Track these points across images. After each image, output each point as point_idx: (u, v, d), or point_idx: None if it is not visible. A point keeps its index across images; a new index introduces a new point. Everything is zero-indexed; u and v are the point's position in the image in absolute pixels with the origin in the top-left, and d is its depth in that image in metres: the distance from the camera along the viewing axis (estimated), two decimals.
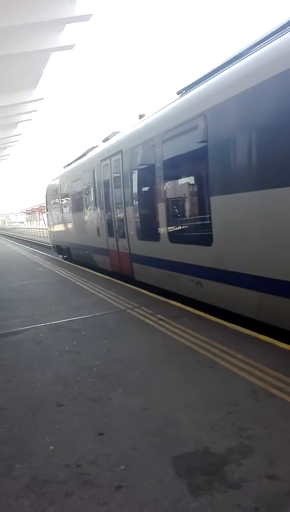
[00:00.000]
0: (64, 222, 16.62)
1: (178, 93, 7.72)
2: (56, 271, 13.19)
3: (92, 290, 9.47)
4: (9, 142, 36.87)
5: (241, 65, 5.77)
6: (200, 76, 7.02)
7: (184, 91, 7.46)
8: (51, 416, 3.76)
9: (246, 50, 5.93)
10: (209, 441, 3.14)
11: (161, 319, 6.59)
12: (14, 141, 37.19)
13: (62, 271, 13.03)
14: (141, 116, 9.71)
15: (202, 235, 6.76)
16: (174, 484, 2.70)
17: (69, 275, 12.17)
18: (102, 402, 3.94)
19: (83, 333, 6.27)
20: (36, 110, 25.65)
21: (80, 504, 2.60)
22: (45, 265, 15.14)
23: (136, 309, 7.39)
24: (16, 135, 33.41)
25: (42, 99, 22.84)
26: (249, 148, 5.58)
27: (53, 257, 18.42)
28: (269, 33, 5.52)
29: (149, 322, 6.54)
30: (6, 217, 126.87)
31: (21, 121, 28.86)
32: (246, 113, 5.49)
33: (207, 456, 2.96)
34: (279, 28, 5.35)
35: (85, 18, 12.89)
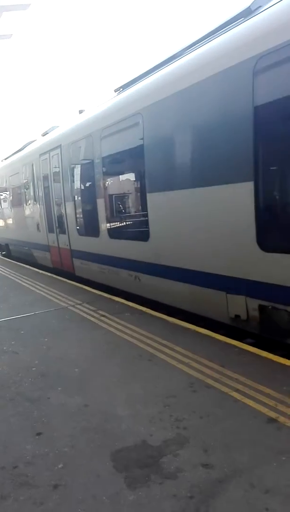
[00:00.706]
0: (3, 218, 16.24)
1: (115, 90, 7.89)
2: None
3: (32, 288, 9.26)
4: None
5: (173, 67, 6.04)
6: (137, 75, 7.22)
7: (121, 89, 7.66)
8: None
9: (180, 51, 6.17)
10: (147, 434, 3.19)
11: (104, 315, 6.58)
12: None
13: (1, 268, 12.61)
14: (81, 111, 9.71)
15: (139, 231, 6.98)
16: (112, 479, 2.73)
17: (8, 272, 11.80)
18: (40, 401, 3.88)
19: (22, 332, 6.12)
20: None
21: (16, 506, 2.56)
22: None
23: (78, 306, 7.32)
24: None
25: None
26: (180, 147, 5.89)
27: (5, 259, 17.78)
28: (204, 35, 5.75)
29: (91, 318, 6.51)
30: None
31: None
32: (178, 114, 5.76)
33: (144, 449, 3.01)
34: (211, 31, 5.60)
35: (23, 7, 12.49)
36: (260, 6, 4.88)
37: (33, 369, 4.67)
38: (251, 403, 3.53)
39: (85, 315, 6.74)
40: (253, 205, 4.61)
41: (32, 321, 6.67)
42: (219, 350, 4.80)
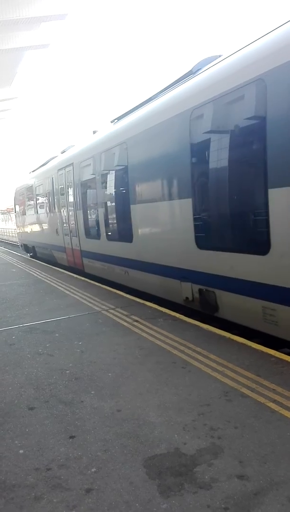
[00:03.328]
0: (30, 224, 18.24)
1: (111, 121, 9.83)
2: (31, 272, 13.02)
3: (67, 291, 9.39)
4: None
5: (144, 111, 7.88)
6: (126, 110, 9.00)
7: (116, 120, 9.50)
8: (21, 419, 3.70)
9: (150, 98, 7.97)
10: (180, 442, 3.14)
11: (137, 321, 6.58)
12: None
13: (37, 272, 12.87)
14: (94, 132, 11.30)
15: (127, 234, 8.53)
16: (145, 486, 2.70)
17: (43, 276, 12.03)
18: (74, 404, 3.91)
19: (56, 335, 6.20)
20: (10, 109, 25.29)
21: (49, 508, 2.57)
22: (19, 266, 14.92)
23: (111, 311, 7.36)
24: None
25: (16, 98, 22.54)
26: (149, 170, 7.59)
27: (28, 258, 18.17)
28: (166, 87, 7.48)
29: (124, 323, 6.52)
30: None
31: None
32: (147, 145, 7.51)
33: (178, 457, 2.96)
34: (169, 85, 7.32)
35: (60, 17, 12.79)
36: (199, 69, 6.48)
37: (67, 372, 4.71)
38: (288, 414, 3.42)
39: (118, 319, 6.77)
40: (192, 215, 6.23)
41: (66, 324, 6.75)
42: (255, 359, 4.69)
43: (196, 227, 6.18)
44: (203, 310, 6.49)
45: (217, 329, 5.90)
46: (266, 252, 4.90)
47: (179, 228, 6.74)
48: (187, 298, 6.75)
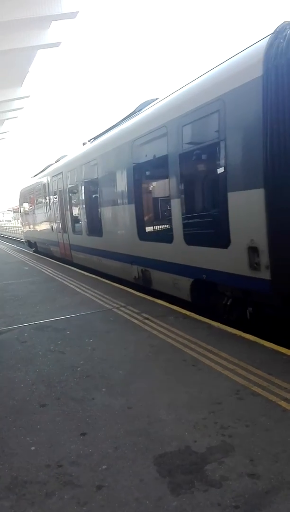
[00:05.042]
0: (32, 222, 20.92)
1: (89, 140, 12.51)
2: (43, 270, 13.10)
3: (78, 289, 9.43)
4: None
5: (106, 136, 10.46)
6: (99, 133, 11.48)
7: (92, 139, 12.07)
8: (33, 416, 3.73)
9: (118, 122, 10.10)
10: (191, 440, 3.14)
11: (147, 318, 6.59)
12: (0, 139, 36.83)
13: (49, 270, 12.95)
14: (84, 143, 13.22)
15: (98, 230, 10.84)
16: (155, 483, 2.70)
17: (55, 273, 12.10)
18: (85, 402, 3.93)
19: (68, 332, 6.23)
20: (22, 108, 25.41)
21: (60, 504, 2.59)
22: (31, 264, 15.03)
23: (122, 308, 7.38)
24: (2, 132, 33.10)
25: (28, 96, 22.64)
26: (110, 182, 9.97)
27: (39, 256, 18.29)
28: (119, 120, 10.01)
29: (135, 321, 6.53)
30: None
31: (7, 119, 28.58)
32: (109, 164, 9.88)
33: (188, 455, 2.96)
34: (121, 120, 9.91)
35: (71, 15, 12.79)
36: (140, 109, 8.85)
37: (78, 369, 4.74)
38: None
39: (128, 317, 6.78)
40: (135, 216, 8.48)
41: (77, 322, 6.78)
42: (267, 358, 4.66)
43: (137, 225, 8.47)
44: (145, 285, 8.70)
45: (228, 327, 5.88)
46: (171, 241, 7.10)
47: (128, 225, 8.92)
48: (135, 277, 9.03)
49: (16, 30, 13.61)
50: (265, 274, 5.02)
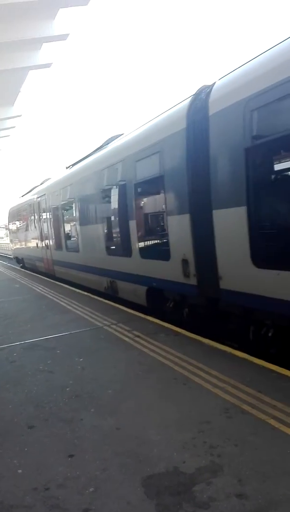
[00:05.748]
0: (19, 240, 22.55)
1: (66, 167, 13.96)
2: (34, 287, 13.05)
3: (69, 307, 9.39)
4: None
5: (85, 162, 11.71)
6: (75, 161, 12.97)
7: (71, 166, 13.47)
8: (21, 438, 3.69)
9: (89, 153, 11.80)
10: (179, 461, 3.12)
11: (138, 336, 6.56)
12: None
13: (40, 288, 12.89)
14: (67, 167, 14.19)
15: (76, 246, 12.22)
16: (143, 505, 2.67)
17: (46, 291, 12.05)
18: (73, 422, 3.89)
19: (58, 351, 6.19)
20: (14, 127, 25.59)
21: None
22: (23, 281, 14.96)
23: (113, 326, 7.35)
24: None
25: (20, 115, 22.82)
26: (83, 204, 11.47)
27: (31, 273, 18.23)
28: (94, 149, 11.51)
29: (126, 339, 6.50)
30: None
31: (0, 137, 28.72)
32: (87, 186, 10.95)
33: (177, 476, 2.94)
34: (95, 149, 11.47)
35: (62, 37, 13.00)
36: (108, 143, 10.59)
37: (68, 389, 4.70)
38: (289, 431, 3.38)
39: (119, 335, 6.75)
40: (103, 235, 10.00)
41: (67, 340, 6.74)
42: (257, 375, 4.65)
43: (105, 242, 10.01)
44: (113, 294, 9.85)
45: (219, 344, 5.87)
46: (130, 255, 8.40)
47: (98, 242, 10.35)
48: (105, 287, 10.30)
49: (8, 51, 13.78)
50: (193, 280, 6.29)
